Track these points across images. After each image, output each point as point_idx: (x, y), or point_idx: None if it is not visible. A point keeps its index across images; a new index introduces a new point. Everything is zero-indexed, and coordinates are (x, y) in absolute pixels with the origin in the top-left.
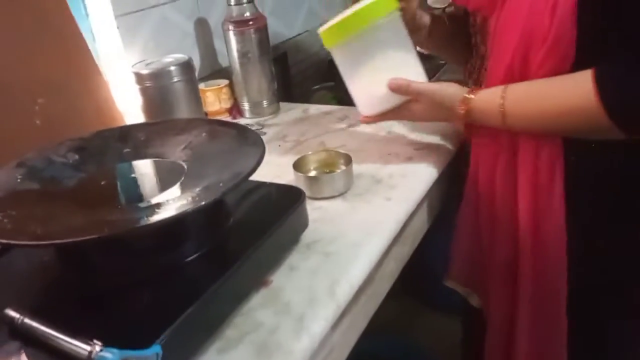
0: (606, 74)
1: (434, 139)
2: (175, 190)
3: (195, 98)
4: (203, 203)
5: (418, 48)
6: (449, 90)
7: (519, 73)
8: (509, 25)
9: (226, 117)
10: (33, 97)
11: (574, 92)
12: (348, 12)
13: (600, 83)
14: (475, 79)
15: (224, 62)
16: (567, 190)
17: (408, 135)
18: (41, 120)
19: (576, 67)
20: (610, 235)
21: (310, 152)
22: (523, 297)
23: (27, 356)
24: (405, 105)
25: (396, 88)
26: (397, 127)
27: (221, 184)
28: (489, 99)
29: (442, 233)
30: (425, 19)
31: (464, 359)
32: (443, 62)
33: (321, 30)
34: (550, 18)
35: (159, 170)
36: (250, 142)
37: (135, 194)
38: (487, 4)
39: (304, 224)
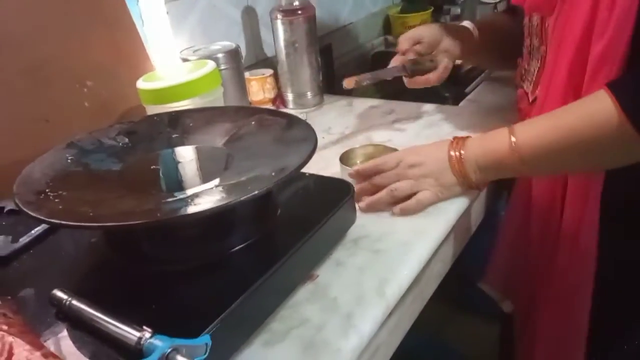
0: (622, 82)
1: None
2: (225, 178)
3: (241, 86)
4: (256, 192)
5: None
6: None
7: (582, 69)
8: (570, 22)
9: (270, 107)
10: (83, 80)
11: (594, 108)
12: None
13: (618, 93)
14: (533, 82)
15: (269, 51)
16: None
17: (458, 133)
18: (90, 103)
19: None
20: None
21: (357, 146)
22: (550, 302)
23: (72, 339)
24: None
25: (356, 175)
26: (446, 126)
27: (273, 174)
28: (492, 141)
29: (479, 236)
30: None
31: None
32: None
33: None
34: (609, 10)
35: (208, 157)
36: (301, 132)
37: (184, 181)
38: (545, 3)
39: (351, 219)
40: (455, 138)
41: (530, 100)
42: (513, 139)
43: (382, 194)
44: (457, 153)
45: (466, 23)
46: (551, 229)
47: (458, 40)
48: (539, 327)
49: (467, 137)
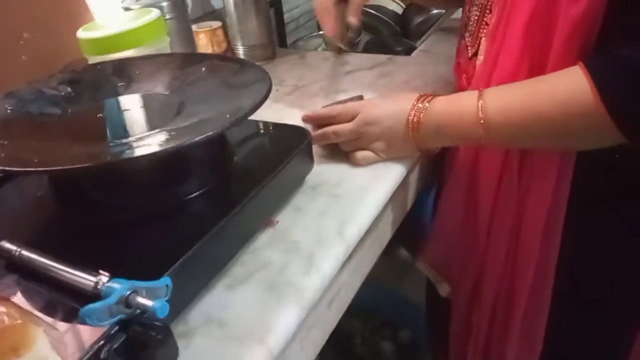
0: (601, 65)
1: (439, 88)
2: (177, 122)
3: (189, 38)
4: (210, 133)
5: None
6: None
7: (540, 34)
8: None
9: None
10: (18, 33)
11: (567, 87)
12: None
13: (596, 77)
14: (473, 34)
15: (216, 3)
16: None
17: (411, 82)
18: (27, 56)
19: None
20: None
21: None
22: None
23: (23, 292)
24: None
25: (308, 120)
26: (399, 75)
27: (228, 115)
28: (458, 105)
29: (426, 203)
30: None
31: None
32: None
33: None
34: None
35: (158, 104)
36: (254, 75)
37: (133, 127)
38: None
39: (309, 165)
40: (420, 96)
41: (470, 55)
42: (481, 102)
43: (328, 137)
44: (417, 118)
45: None
46: (505, 209)
47: None
48: (482, 316)
49: (432, 96)
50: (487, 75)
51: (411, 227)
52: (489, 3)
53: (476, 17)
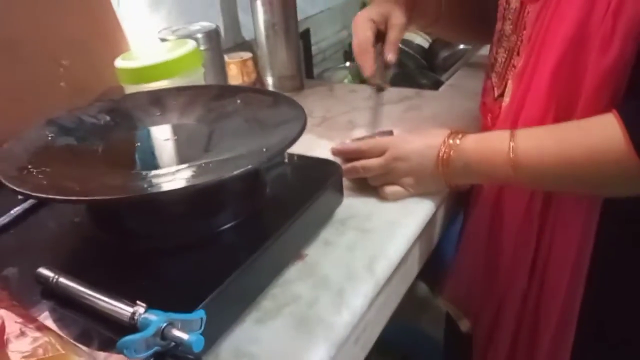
0: (634, 112)
1: (467, 123)
2: (213, 155)
3: (221, 69)
4: (248, 167)
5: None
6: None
7: (568, 81)
8: (559, 19)
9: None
10: (58, 59)
11: (600, 134)
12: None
13: (631, 129)
14: (500, 75)
15: (247, 35)
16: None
17: (439, 116)
18: (66, 82)
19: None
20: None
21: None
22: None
23: (59, 318)
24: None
25: (338, 153)
26: (427, 109)
27: (264, 150)
28: (489, 144)
29: (447, 241)
30: (431, 5)
31: None
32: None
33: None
34: (613, 20)
35: (194, 135)
36: (289, 109)
37: (170, 157)
38: None
39: (338, 198)
40: (451, 133)
41: (496, 96)
42: (512, 144)
43: (357, 172)
44: (447, 155)
45: None
46: (526, 247)
47: (419, 6)
48: (500, 353)
49: (463, 133)
50: (513, 118)
51: (432, 261)
52: (517, 46)
53: (504, 59)
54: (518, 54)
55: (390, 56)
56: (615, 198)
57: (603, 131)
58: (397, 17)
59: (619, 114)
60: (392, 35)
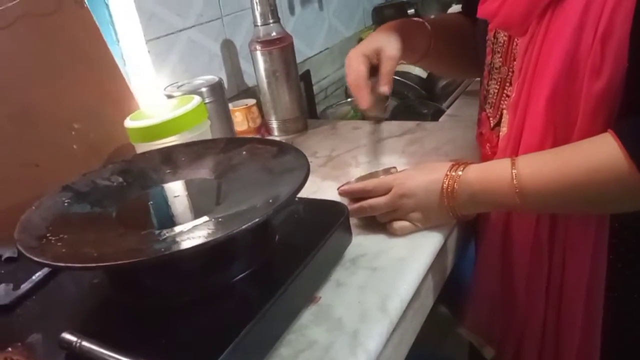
0: (630, 129)
1: (469, 152)
2: (223, 210)
3: (226, 118)
4: (256, 220)
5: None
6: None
7: (563, 107)
8: (548, 49)
9: (258, 137)
10: (70, 123)
11: (600, 154)
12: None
13: (627, 143)
14: (494, 105)
15: (249, 81)
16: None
17: (441, 148)
18: (78, 145)
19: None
20: None
21: (369, 171)
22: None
23: None
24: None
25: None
26: (429, 141)
27: (270, 201)
28: (492, 173)
29: (463, 267)
30: (420, 40)
31: None
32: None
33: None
34: (601, 46)
35: (203, 190)
36: (293, 159)
37: (182, 215)
38: (518, 23)
39: (348, 239)
40: (453, 165)
41: (492, 126)
42: (515, 171)
43: (365, 211)
44: (451, 187)
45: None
46: (539, 272)
47: (408, 41)
48: None
49: (466, 163)
50: (512, 146)
51: (451, 286)
52: (508, 77)
53: (496, 90)
54: (510, 84)
55: (385, 88)
56: (623, 214)
57: (602, 151)
58: (390, 50)
59: (616, 132)
60: (385, 68)
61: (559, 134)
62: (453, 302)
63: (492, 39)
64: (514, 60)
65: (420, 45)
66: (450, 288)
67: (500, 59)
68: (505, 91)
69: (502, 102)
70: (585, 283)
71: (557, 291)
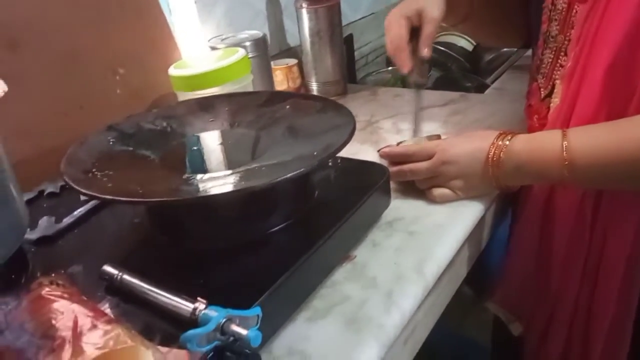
0: None
1: (513, 126)
2: (267, 159)
3: (268, 75)
4: (301, 170)
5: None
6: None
7: (622, 79)
8: (610, 19)
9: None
10: (114, 68)
11: None
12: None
13: None
14: (547, 75)
15: (291, 41)
16: None
17: (484, 120)
18: (121, 90)
19: None
20: None
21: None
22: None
23: (123, 313)
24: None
25: (385, 156)
26: (472, 113)
27: (315, 153)
28: (541, 144)
29: (494, 246)
30: (462, 1)
31: None
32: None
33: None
34: None
35: (247, 139)
36: (338, 114)
37: (226, 162)
38: None
39: (386, 201)
40: (500, 134)
41: (542, 97)
42: (565, 143)
43: (405, 175)
44: (496, 156)
45: None
46: (578, 248)
47: (449, 2)
48: (554, 354)
49: (513, 134)
50: (564, 117)
51: (477, 265)
52: (564, 46)
53: (550, 60)
54: (565, 54)
55: (426, 51)
56: None
57: None
58: (431, 12)
59: None
60: (426, 30)
61: (615, 106)
62: (480, 279)
63: (550, 6)
64: (572, 28)
65: (460, 8)
66: (477, 265)
67: (557, 27)
68: (559, 61)
69: (555, 72)
70: (623, 266)
71: (594, 272)
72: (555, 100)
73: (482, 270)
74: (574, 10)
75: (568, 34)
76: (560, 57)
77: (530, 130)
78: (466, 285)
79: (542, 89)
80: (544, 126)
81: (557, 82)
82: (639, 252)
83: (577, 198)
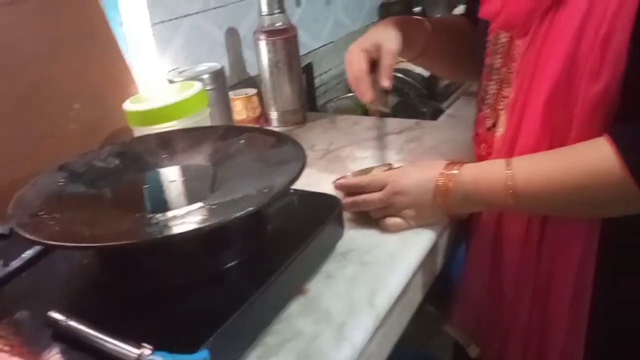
0: (625, 135)
1: (467, 152)
2: (217, 197)
3: (226, 106)
4: (250, 209)
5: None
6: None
7: (560, 110)
8: (548, 51)
9: (257, 126)
10: (69, 103)
11: (595, 158)
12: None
13: (621, 147)
14: (492, 106)
15: (251, 70)
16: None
17: (439, 147)
18: (75, 125)
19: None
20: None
21: (366, 166)
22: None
23: None
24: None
25: (340, 187)
26: (427, 139)
27: (265, 191)
28: (487, 173)
29: (452, 267)
30: (418, 36)
31: None
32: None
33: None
34: (601, 50)
35: (199, 176)
36: (290, 150)
37: (177, 200)
38: (520, 23)
39: (339, 232)
40: (449, 164)
41: (488, 126)
42: (509, 172)
43: (358, 206)
44: (445, 186)
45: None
46: (527, 272)
47: (407, 37)
48: None
49: (461, 163)
50: (509, 147)
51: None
52: (507, 78)
53: (494, 91)
54: (509, 85)
55: (386, 82)
56: (613, 218)
57: (597, 155)
58: (389, 45)
59: (612, 137)
60: (385, 62)
61: (555, 136)
62: (441, 301)
63: (493, 39)
64: (514, 61)
65: (418, 42)
66: (440, 287)
67: (500, 60)
68: (503, 92)
69: (499, 103)
70: (572, 286)
71: (544, 293)
72: (500, 130)
73: (445, 291)
74: (515, 44)
75: (510, 66)
76: (504, 88)
77: (479, 158)
78: (431, 306)
79: (487, 119)
80: (490, 155)
81: (502, 112)
82: (585, 276)
83: (524, 224)
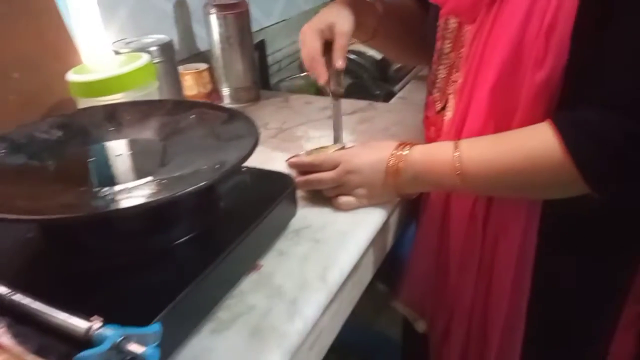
0: (567, 121)
1: (417, 134)
2: (166, 172)
3: (176, 81)
4: (201, 184)
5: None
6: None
7: (506, 95)
8: (495, 38)
9: (208, 102)
10: (7, 72)
11: (537, 142)
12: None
13: (566, 138)
14: (441, 90)
15: (202, 45)
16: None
17: (390, 129)
18: (15, 95)
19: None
20: (578, 273)
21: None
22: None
23: (15, 335)
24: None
25: (293, 166)
26: (379, 121)
27: (216, 166)
28: (435, 155)
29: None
30: (369, 18)
31: None
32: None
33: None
34: (545, 39)
35: (147, 151)
36: (243, 126)
37: (123, 174)
38: (468, 9)
39: (292, 210)
40: (399, 145)
41: (438, 109)
42: (457, 153)
43: (312, 184)
44: (395, 166)
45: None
46: (472, 250)
47: (358, 19)
48: (454, 353)
49: (412, 144)
50: (456, 129)
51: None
52: (456, 63)
53: (444, 75)
54: (458, 70)
55: (340, 62)
56: (554, 200)
57: (540, 139)
58: (341, 26)
59: (554, 122)
60: (338, 42)
61: (500, 120)
62: (391, 278)
63: (443, 25)
64: (463, 46)
65: (369, 24)
66: (389, 265)
67: (450, 45)
68: (452, 77)
69: (448, 87)
70: (514, 265)
71: (487, 272)
72: (449, 114)
73: (395, 269)
74: (464, 30)
75: (460, 52)
76: (453, 73)
77: (428, 140)
78: (381, 283)
79: (437, 102)
80: (439, 137)
81: (450, 96)
82: (527, 255)
83: (469, 203)
